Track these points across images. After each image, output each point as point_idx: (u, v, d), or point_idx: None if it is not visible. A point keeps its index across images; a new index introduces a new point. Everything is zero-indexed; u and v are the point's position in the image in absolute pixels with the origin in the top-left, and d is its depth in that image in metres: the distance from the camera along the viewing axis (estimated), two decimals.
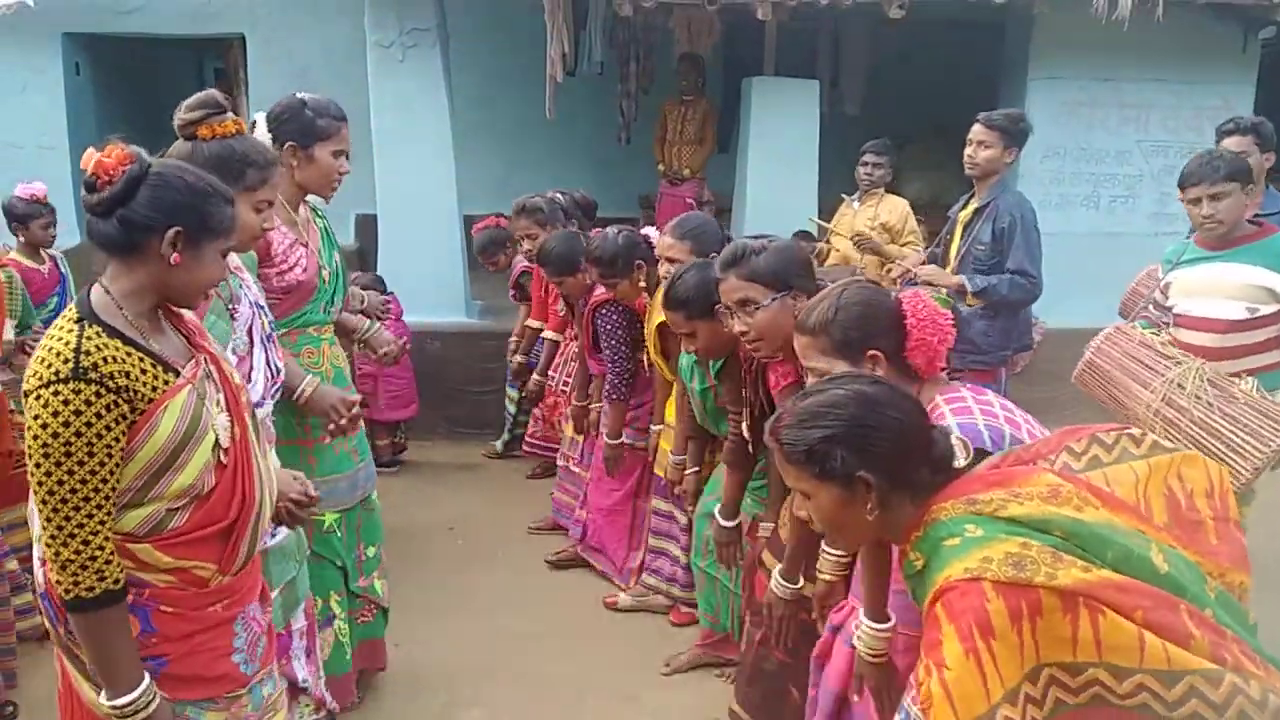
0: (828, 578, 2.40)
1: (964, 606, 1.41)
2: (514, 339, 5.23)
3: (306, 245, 2.89)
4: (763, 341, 2.52)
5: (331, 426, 2.78)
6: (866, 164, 5.12)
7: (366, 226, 7.14)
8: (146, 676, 1.74)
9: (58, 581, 1.67)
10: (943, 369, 2.06)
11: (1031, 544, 1.44)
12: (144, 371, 1.69)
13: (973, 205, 3.94)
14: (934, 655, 1.43)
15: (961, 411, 1.90)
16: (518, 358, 5.11)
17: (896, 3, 5.31)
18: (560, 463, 4.52)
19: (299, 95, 2.89)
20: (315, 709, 2.73)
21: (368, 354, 3.42)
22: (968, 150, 3.90)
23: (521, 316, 5.25)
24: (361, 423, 3.03)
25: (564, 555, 4.26)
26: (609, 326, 3.78)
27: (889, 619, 2.03)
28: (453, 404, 5.60)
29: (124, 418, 1.66)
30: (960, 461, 1.61)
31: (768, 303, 2.45)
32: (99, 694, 1.75)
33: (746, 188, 6.15)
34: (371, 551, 3.14)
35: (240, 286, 2.43)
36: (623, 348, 3.79)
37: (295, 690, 2.62)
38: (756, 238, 2.63)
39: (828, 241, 5.35)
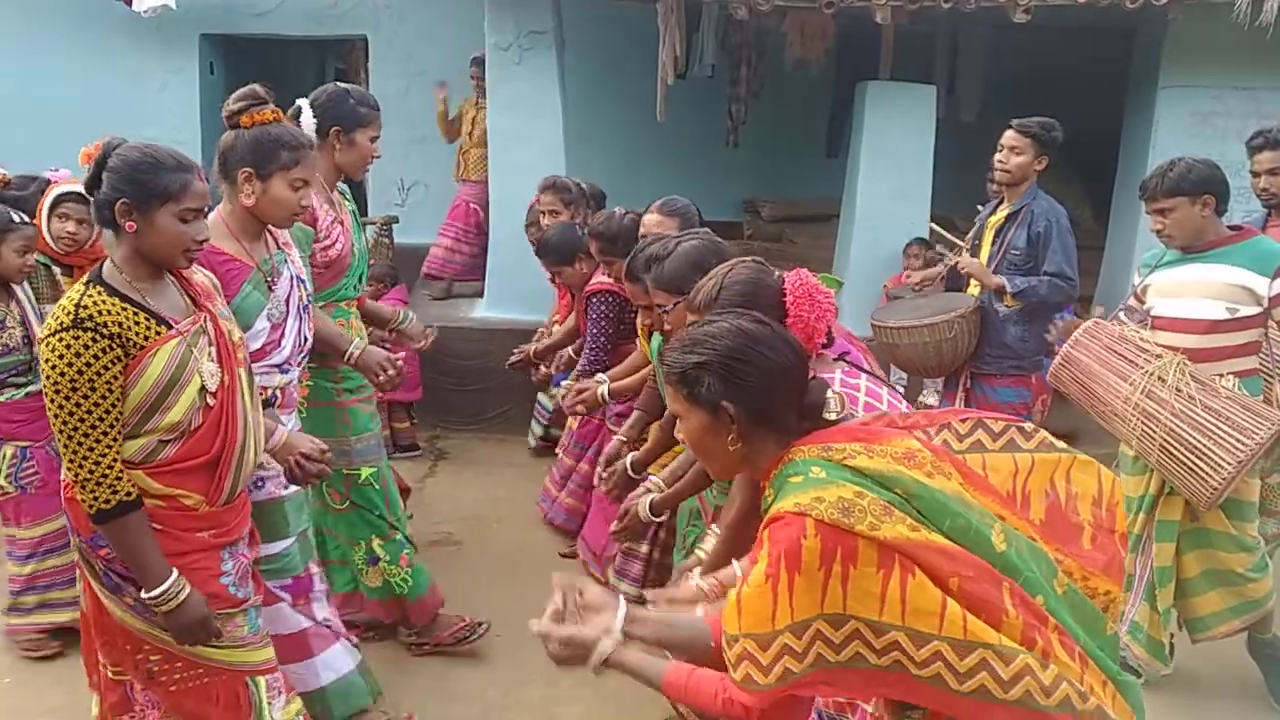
0: (702, 555, 2.43)
1: (781, 536, 1.49)
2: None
3: (343, 224, 3.07)
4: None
5: (382, 379, 2.94)
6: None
7: None
8: (174, 570, 2.05)
9: (82, 499, 2.01)
10: (824, 347, 2.17)
11: (866, 494, 1.50)
12: (137, 323, 2.01)
13: (1003, 211, 3.93)
14: (746, 571, 1.55)
15: None
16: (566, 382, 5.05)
17: (1022, 6, 5.16)
18: (558, 451, 4.52)
19: (341, 86, 3.11)
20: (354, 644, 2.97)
21: (406, 342, 3.69)
22: (998, 156, 3.88)
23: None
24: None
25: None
26: (595, 315, 3.85)
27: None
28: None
29: (119, 360, 1.98)
30: (832, 414, 1.69)
31: (670, 307, 2.56)
32: (137, 592, 2.06)
33: (857, 193, 6.06)
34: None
35: (285, 262, 2.62)
36: (602, 337, 3.85)
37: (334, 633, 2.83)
38: (676, 237, 2.69)
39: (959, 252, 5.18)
